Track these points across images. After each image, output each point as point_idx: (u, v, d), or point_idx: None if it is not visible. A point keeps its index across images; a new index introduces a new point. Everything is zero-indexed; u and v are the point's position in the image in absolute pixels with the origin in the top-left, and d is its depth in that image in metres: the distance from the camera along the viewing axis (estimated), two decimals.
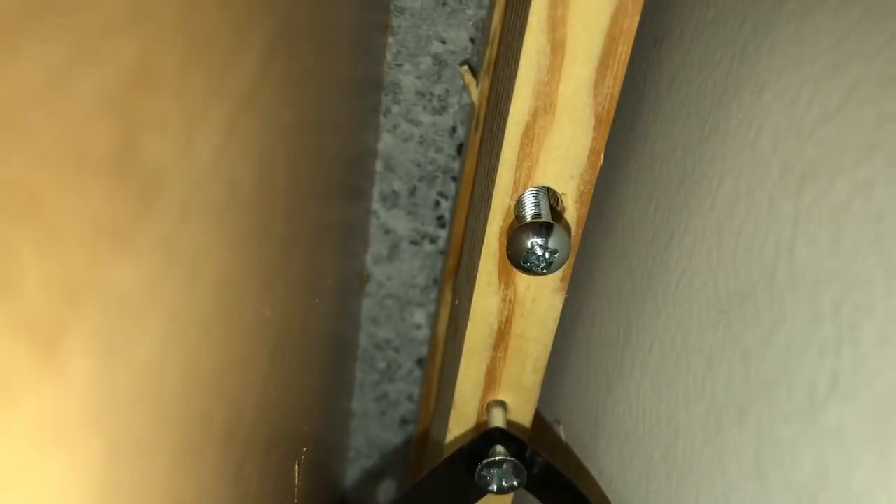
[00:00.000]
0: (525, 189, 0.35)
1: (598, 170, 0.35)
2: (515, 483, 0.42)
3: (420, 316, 0.86)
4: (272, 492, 0.35)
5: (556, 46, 0.31)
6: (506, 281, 0.39)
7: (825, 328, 0.24)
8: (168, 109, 0.17)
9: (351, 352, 0.84)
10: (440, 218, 0.79)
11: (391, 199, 0.78)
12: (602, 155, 0.34)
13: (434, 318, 0.81)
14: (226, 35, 0.20)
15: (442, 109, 0.72)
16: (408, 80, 0.71)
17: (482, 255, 0.38)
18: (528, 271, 0.36)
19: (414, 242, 0.81)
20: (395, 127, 0.73)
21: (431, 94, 0.71)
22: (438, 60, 0.70)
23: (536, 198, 0.35)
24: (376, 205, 0.78)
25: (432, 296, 0.85)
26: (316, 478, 0.56)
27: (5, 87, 0.11)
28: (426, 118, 0.73)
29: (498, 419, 0.43)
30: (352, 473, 0.99)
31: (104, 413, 0.15)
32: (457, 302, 0.51)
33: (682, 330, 0.35)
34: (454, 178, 0.76)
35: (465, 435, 0.46)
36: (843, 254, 0.24)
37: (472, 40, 0.69)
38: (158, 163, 0.16)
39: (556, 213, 0.36)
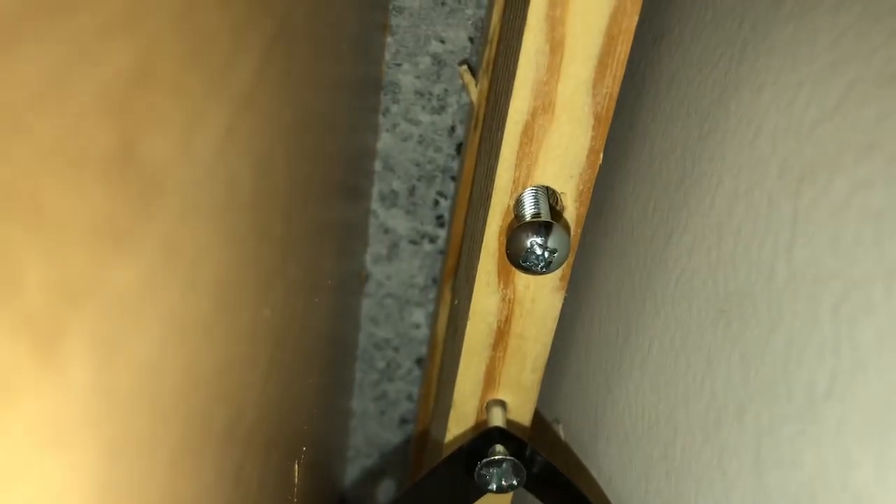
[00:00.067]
0: (524, 188, 0.35)
1: (598, 169, 0.35)
2: (515, 482, 0.42)
3: (419, 315, 0.86)
4: (272, 491, 0.35)
5: (555, 46, 0.31)
6: (505, 280, 0.39)
7: (824, 327, 0.24)
8: (167, 110, 0.17)
9: (350, 351, 0.84)
10: (439, 217, 0.79)
11: (390, 199, 0.78)
12: (601, 154, 0.34)
13: (433, 318, 0.81)
14: (225, 35, 0.20)
15: (441, 109, 0.72)
16: (407, 79, 0.71)
17: (481, 255, 0.38)
18: (527, 270, 0.36)
19: (413, 242, 0.81)
20: (394, 126, 0.73)
21: (430, 93, 0.71)
22: (437, 60, 0.70)
23: (536, 197, 0.35)
24: (375, 204, 0.78)
25: (431, 295, 0.85)
26: (315, 477, 0.56)
27: (5, 87, 0.11)
28: (425, 118, 0.73)
29: (497, 418, 0.43)
30: (351, 473, 0.99)
31: (104, 413, 0.15)
32: (456, 301, 0.51)
33: (682, 329, 0.35)
34: (453, 178, 0.76)
35: (464, 434, 0.46)
36: (842, 253, 0.24)
37: (471, 40, 0.69)
38: (158, 163, 0.16)
39: (556, 213, 0.36)
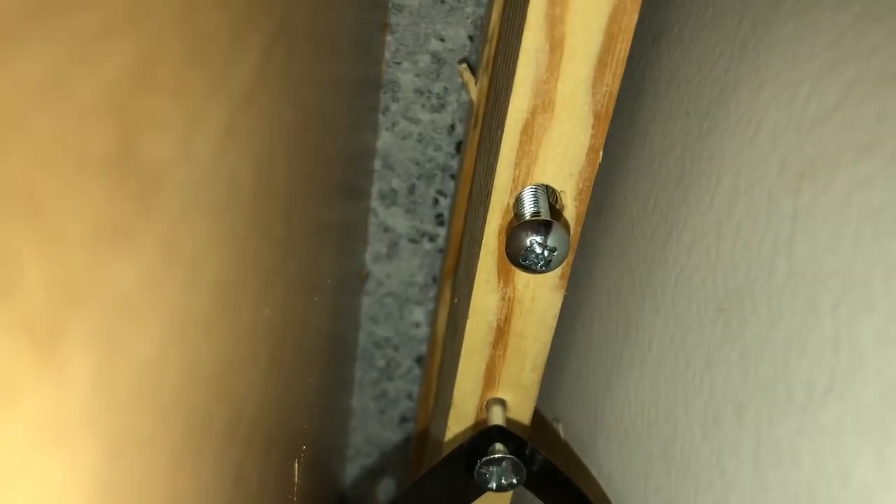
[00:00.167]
0: (524, 187, 0.35)
1: (597, 167, 0.35)
2: (514, 481, 0.42)
3: (419, 314, 0.86)
4: (272, 490, 0.35)
5: (555, 44, 0.31)
6: (505, 279, 0.39)
7: (824, 325, 0.24)
8: (167, 109, 0.17)
9: (350, 350, 0.84)
10: (439, 216, 0.79)
11: (390, 198, 0.78)
12: (601, 152, 0.34)
13: (433, 317, 0.81)
14: (225, 35, 0.20)
15: (441, 107, 0.72)
16: (406, 78, 0.71)
17: (481, 254, 0.38)
18: (527, 269, 0.36)
19: (413, 241, 0.81)
20: (394, 125, 0.73)
21: (430, 91, 0.71)
22: (437, 58, 0.70)
23: (535, 196, 0.35)
24: (375, 203, 0.78)
25: (431, 294, 0.85)
26: (315, 476, 0.56)
27: (5, 86, 0.11)
28: (425, 116, 0.73)
29: (497, 417, 0.43)
30: (351, 471, 0.99)
31: (104, 413, 0.15)
32: (456, 300, 0.51)
33: (681, 327, 0.35)
34: (453, 176, 0.76)
35: (464, 433, 0.46)
36: (842, 251, 0.24)
37: (470, 38, 0.69)
38: (158, 162, 0.16)
39: (555, 211, 0.36)
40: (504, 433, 0.42)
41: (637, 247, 0.41)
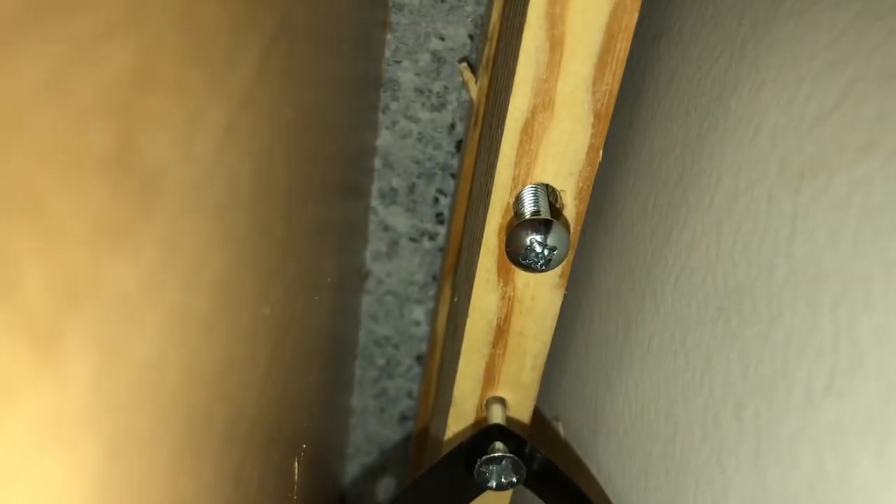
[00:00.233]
0: (524, 186, 0.35)
1: (597, 166, 0.35)
2: (514, 479, 0.42)
3: (419, 313, 0.86)
4: (272, 489, 0.35)
5: (555, 43, 0.31)
6: (505, 278, 0.39)
7: (823, 324, 0.24)
8: (168, 109, 0.17)
9: (350, 349, 0.84)
10: (439, 215, 0.79)
11: (390, 196, 0.78)
12: (601, 151, 0.35)
13: (433, 315, 0.81)
14: (225, 34, 0.20)
15: (441, 106, 0.72)
16: (406, 76, 0.71)
17: (481, 252, 0.38)
18: (527, 268, 0.36)
19: (413, 239, 0.81)
20: (394, 124, 0.73)
21: (430, 90, 0.71)
22: (437, 57, 0.70)
23: (535, 194, 0.35)
24: (375, 202, 0.78)
25: (431, 292, 0.85)
26: (315, 474, 0.56)
27: (5, 86, 0.11)
28: (425, 115, 0.73)
29: (497, 416, 0.43)
30: (351, 470, 0.99)
31: (104, 412, 0.15)
32: (456, 299, 0.51)
33: (681, 326, 0.35)
34: (453, 175, 0.76)
35: (464, 431, 0.46)
36: (842, 250, 0.24)
37: (470, 37, 0.68)
38: (158, 162, 0.16)
39: (555, 210, 0.36)
40: (504, 432, 0.42)
41: (637, 246, 0.41)
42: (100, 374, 0.15)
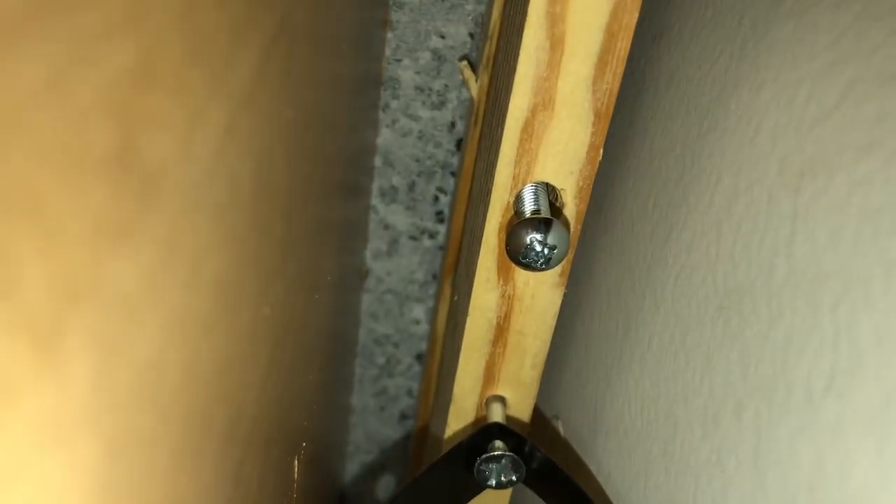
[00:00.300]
0: (524, 185, 0.35)
1: (597, 165, 0.35)
2: (514, 478, 0.42)
3: (419, 311, 0.86)
4: (272, 488, 0.35)
5: (556, 42, 0.31)
6: (505, 277, 0.39)
7: (823, 324, 0.24)
8: (168, 109, 0.17)
9: (350, 347, 0.84)
10: (439, 213, 0.79)
11: (390, 195, 0.78)
12: (601, 151, 0.34)
13: (433, 314, 0.81)
14: (225, 34, 0.20)
15: (441, 105, 0.72)
16: (407, 75, 0.71)
17: (481, 251, 0.38)
18: (527, 267, 0.36)
19: (413, 238, 0.81)
20: (394, 122, 0.73)
21: (430, 89, 0.71)
22: (437, 55, 0.70)
23: (535, 193, 0.35)
24: (375, 200, 0.78)
25: (431, 291, 0.85)
26: (315, 473, 0.56)
27: (6, 86, 0.11)
28: (425, 113, 0.73)
29: (497, 414, 0.43)
30: (351, 468, 1.00)
31: (104, 412, 0.15)
32: (456, 297, 0.51)
33: (681, 325, 0.35)
34: (453, 174, 0.76)
35: (464, 430, 0.46)
36: (842, 250, 0.24)
37: (471, 35, 0.68)
38: (158, 162, 0.16)
39: (555, 209, 0.36)
40: (504, 430, 0.42)
41: (637, 245, 0.41)
42: (100, 373, 0.15)
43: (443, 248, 0.81)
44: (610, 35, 0.31)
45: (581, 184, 0.35)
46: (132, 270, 0.16)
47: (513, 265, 0.38)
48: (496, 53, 0.58)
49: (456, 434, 0.46)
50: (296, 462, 0.42)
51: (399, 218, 0.79)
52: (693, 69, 0.37)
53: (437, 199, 0.78)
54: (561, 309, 0.40)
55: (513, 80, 0.33)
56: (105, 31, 0.14)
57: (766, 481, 0.26)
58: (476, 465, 0.42)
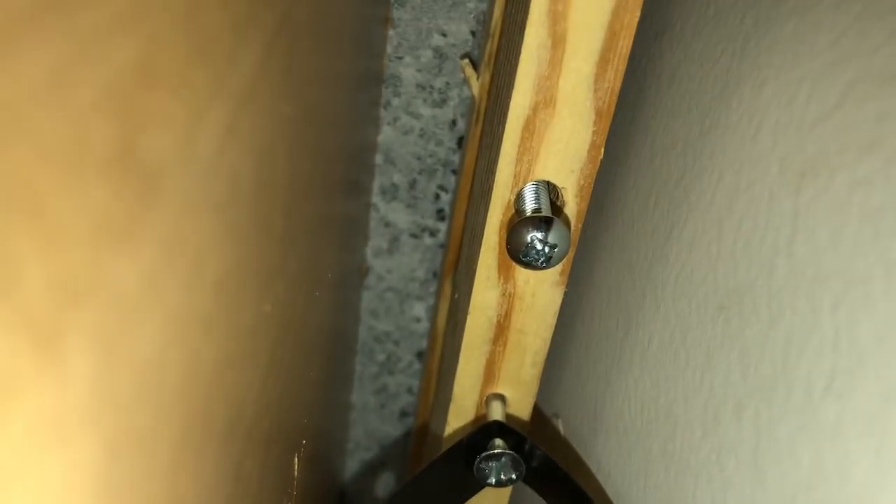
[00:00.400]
0: (525, 183, 0.35)
1: (599, 164, 0.35)
2: (514, 476, 0.42)
3: (419, 309, 0.86)
4: (272, 486, 0.35)
5: (557, 41, 0.31)
6: (505, 275, 0.39)
7: (824, 324, 0.24)
8: (169, 107, 0.17)
9: (350, 345, 0.84)
10: (440, 211, 0.79)
11: (391, 192, 0.78)
12: (602, 149, 0.34)
13: (433, 312, 0.81)
14: (226, 32, 0.20)
15: (442, 102, 0.72)
16: (408, 72, 0.71)
17: (482, 249, 0.38)
18: (527, 265, 0.36)
19: (414, 235, 0.81)
20: (396, 120, 0.73)
21: (432, 86, 0.71)
22: (439, 53, 0.69)
23: (536, 192, 0.35)
24: (376, 198, 0.78)
25: (432, 289, 0.85)
26: (315, 470, 0.56)
27: (7, 85, 0.11)
28: (426, 111, 0.73)
29: (497, 412, 0.43)
30: (351, 466, 1.00)
31: (104, 411, 0.15)
32: (456, 296, 0.51)
33: (682, 324, 0.35)
34: (454, 172, 0.76)
35: (464, 428, 0.46)
36: (843, 250, 0.24)
37: (472, 33, 0.68)
38: (159, 160, 0.16)
39: (556, 208, 0.36)
40: (504, 429, 0.42)
41: (638, 244, 0.41)
42: (100, 372, 0.15)
43: (443, 245, 0.81)
44: (612, 33, 0.31)
45: (582, 182, 0.35)
46: (133, 270, 0.15)
47: (513, 263, 0.38)
48: (497, 51, 0.58)
49: (456, 432, 0.46)
50: (296, 460, 0.42)
51: (400, 215, 0.79)
52: (695, 67, 0.37)
53: (437, 196, 0.78)
54: (561, 307, 0.40)
55: (514, 77, 0.33)
56: (107, 30, 0.14)
57: (766, 481, 0.26)
58: (476, 463, 0.42)
